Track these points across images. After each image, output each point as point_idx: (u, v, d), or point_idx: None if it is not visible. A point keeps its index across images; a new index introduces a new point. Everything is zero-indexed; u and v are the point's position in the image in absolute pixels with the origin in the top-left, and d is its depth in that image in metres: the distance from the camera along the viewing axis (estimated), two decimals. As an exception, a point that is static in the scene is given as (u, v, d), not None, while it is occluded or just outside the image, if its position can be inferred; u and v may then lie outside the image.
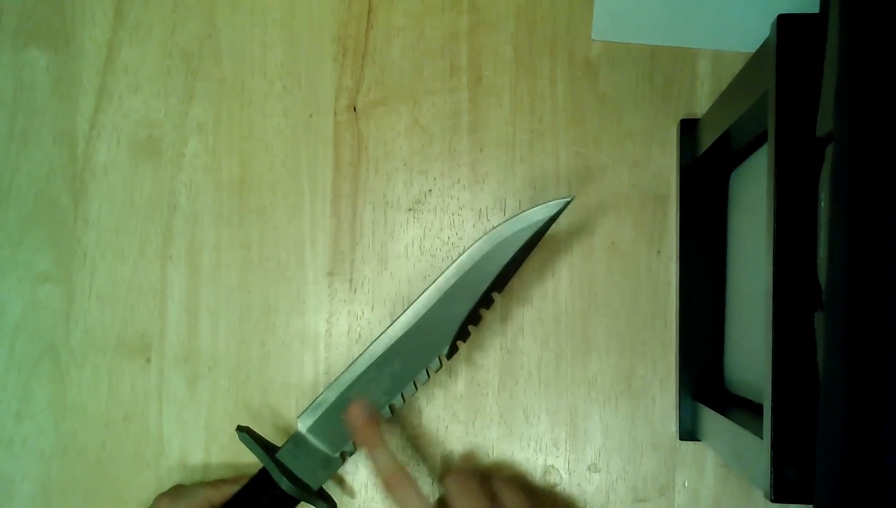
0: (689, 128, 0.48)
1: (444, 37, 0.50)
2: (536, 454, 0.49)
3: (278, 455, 0.46)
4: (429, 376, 0.45)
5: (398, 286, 0.50)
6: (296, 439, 0.46)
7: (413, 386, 0.45)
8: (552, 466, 0.49)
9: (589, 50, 0.50)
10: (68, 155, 0.52)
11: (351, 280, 0.50)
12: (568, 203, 0.44)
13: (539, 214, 0.44)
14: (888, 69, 0.25)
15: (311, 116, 0.51)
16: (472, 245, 0.44)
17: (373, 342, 0.45)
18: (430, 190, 0.50)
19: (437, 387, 0.50)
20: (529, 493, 0.45)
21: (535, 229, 0.44)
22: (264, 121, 0.51)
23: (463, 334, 0.45)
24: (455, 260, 0.44)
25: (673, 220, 0.49)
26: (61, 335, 0.51)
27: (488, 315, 0.49)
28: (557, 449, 0.49)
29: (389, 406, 0.45)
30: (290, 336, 0.51)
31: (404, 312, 0.45)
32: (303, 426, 0.46)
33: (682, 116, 0.49)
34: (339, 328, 0.50)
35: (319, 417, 0.45)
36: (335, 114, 0.51)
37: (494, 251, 0.44)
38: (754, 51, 0.34)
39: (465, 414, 0.50)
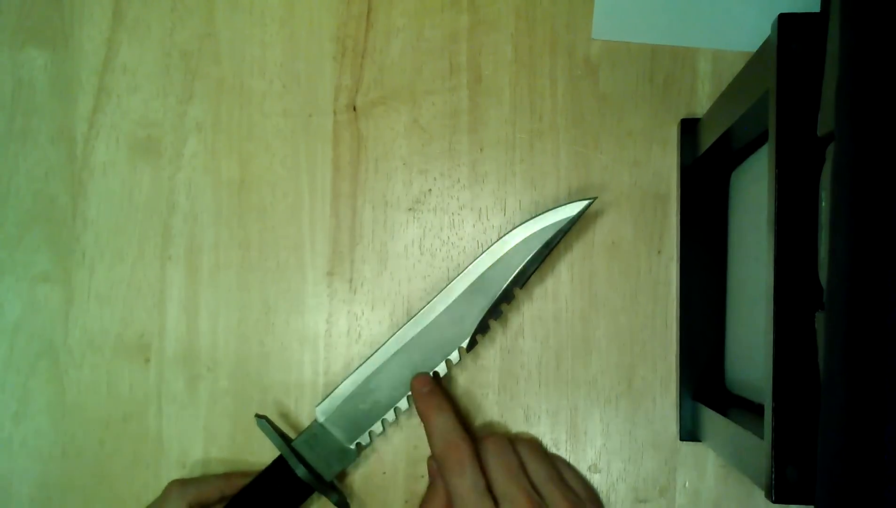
0: (689, 127, 0.48)
1: (443, 36, 0.50)
2: (536, 454, 0.49)
3: (294, 444, 0.46)
4: (448, 369, 0.46)
5: (398, 286, 0.50)
6: (313, 428, 0.47)
7: None
8: (552, 466, 0.49)
9: (589, 49, 0.50)
10: (67, 155, 0.51)
11: (351, 280, 0.50)
12: (590, 204, 0.45)
13: (563, 212, 0.45)
14: (889, 68, 0.25)
15: (310, 115, 0.51)
16: (495, 241, 0.46)
17: (396, 332, 0.46)
18: (430, 190, 0.50)
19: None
20: (550, 459, 0.46)
21: (559, 227, 0.45)
22: (263, 121, 0.51)
23: (483, 327, 0.46)
24: (479, 254, 0.46)
25: (673, 220, 0.49)
26: (60, 335, 0.51)
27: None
28: (558, 450, 0.49)
29: (407, 398, 0.46)
30: (290, 336, 0.50)
31: (428, 304, 0.46)
32: (321, 416, 0.46)
33: (682, 115, 0.49)
34: (339, 328, 0.50)
35: (338, 407, 0.46)
36: (335, 113, 0.51)
37: (519, 247, 0.45)
38: (755, 50, 0.34)
39: (465, 415, 0.49)
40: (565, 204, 0.45)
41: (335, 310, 0.50)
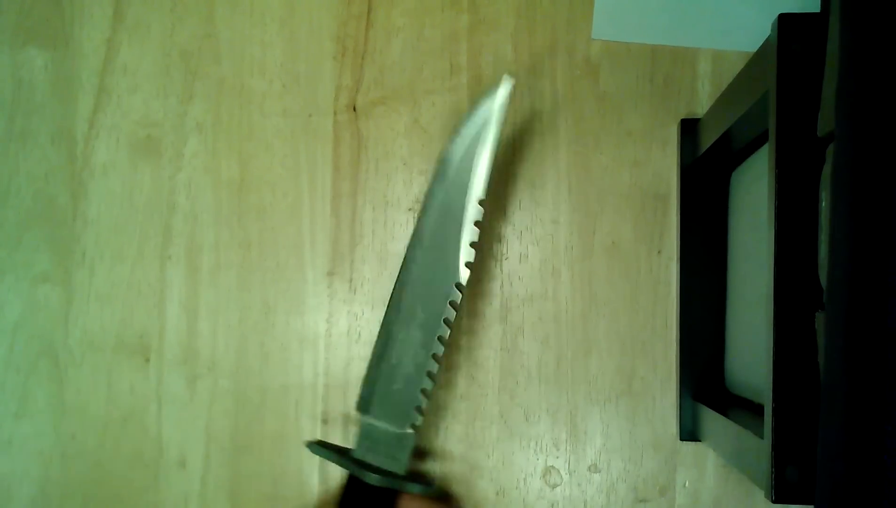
0: (689, 127, 0.48)
1: (443, 36, 0.50)
2: (537, 454, 0.49)
3: (354, 455, 0.45)
4: (456, 310, 0.44)
5: (398, 286, 0.50)
6: (364, 430, 0.45)
7: (445, 327, 0.44)
8: (552, 467, 0.49)
9: (589, 49, 0.50)
10: (67, 155, 0.51)
11: (351, 280, 0.50)
12: (511, 87, 0.43)
13: (486, 108, 0.43)
14: (889, 69, 0.25)
15: (310, 115, 0.51)
16: (437, 166, 0.44)
17: (389, 300, 0.44)
18: (430, 190, 0.50)
19: (437, 388, 0.49)
20: None
21: (493, 126, 0.43)
22: (263, 121, 0.51)
23: (468, 254, 0.44)
24: (427, 188, 0.44)
25: (673, 220, 0.49)
26: (60, 335, 0.51)
27: (487, 312, 0.49)
28: (558, 450, 0.49)
29: (434, 358, 0.44)
30: (290, 336, 0.50)
31: (402, 265, 0.44)
32: (363, 414, 0.45)
33: (682, 115, 0.49)
34: (339, 328, 0.50)
35: (374, 398, 0.44)
36: (335, 113, 0.51)
37: (463, 161, 0.43)
38: (755, 50, 0.34)
39: (464, 415, 0.49)
40: (483, 98, 0.43)
41: (335, 310, 0.50)
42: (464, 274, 0.44)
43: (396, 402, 0.44)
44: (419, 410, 0.44)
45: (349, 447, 0.45)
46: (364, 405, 0.45)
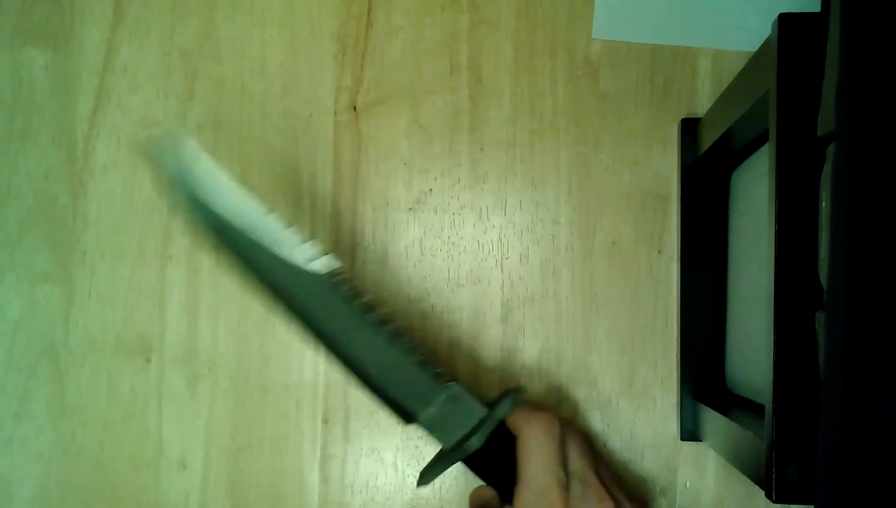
0: (690, 127, 0.48)
1: (444, 36, 0.50)
2: (537, 454, 0.49)
3: (446, 448, 0.44)
4: (346, 283, 0.42)
5: (398, 286, 0.50)
6: (428, 427, 0.43)
7: (365, 305, 0.42)
8: (552, 466, 0.49)
9: (589, 49, 0.50)
10: (67, 155, 0.51)
11: (351, 280, 0.50)
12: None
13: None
14: (889, 69, 0.25)
15: (311, 115, 0.51)
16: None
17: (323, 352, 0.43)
18: (431, 190, 0.50)
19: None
20: (599, 465, 0.43)
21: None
22: (264, 121, 0.51)
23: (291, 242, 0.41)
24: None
25: (674, 220, 0.49)
26: (60, 335, 0.51)
27: (488, 312, 0.49)
28: (558, 450, 0.49)
29: (392, 336, 0.42)
30: (290, 336, 0.50)
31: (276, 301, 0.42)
32: (415, 422, 0.43)
33: (682, 115, 0.49)
34: (339, 328, 0.50)
35: (403, 404, 0.43)
36: (335, 114, 0.51)
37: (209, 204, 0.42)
38: (755, 50, 0.34)
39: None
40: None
41: (335, 310, 0.50)
42: (310, 256, 0.41)
43: (416, 388, 0.43)
44: (438, 373, 0.43)
45: (438, 448, 0.45)
46: (406, 418, 0.43)
